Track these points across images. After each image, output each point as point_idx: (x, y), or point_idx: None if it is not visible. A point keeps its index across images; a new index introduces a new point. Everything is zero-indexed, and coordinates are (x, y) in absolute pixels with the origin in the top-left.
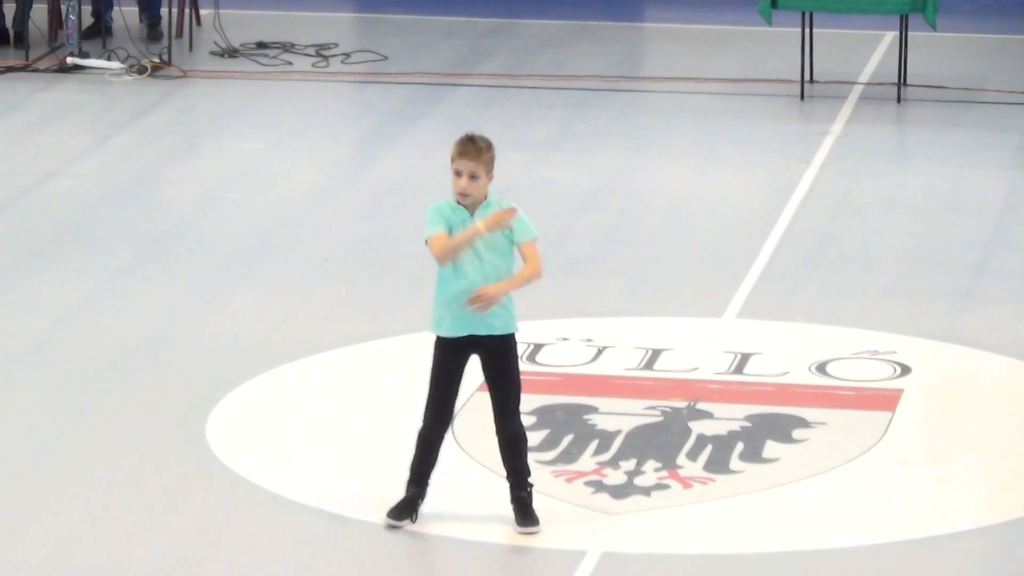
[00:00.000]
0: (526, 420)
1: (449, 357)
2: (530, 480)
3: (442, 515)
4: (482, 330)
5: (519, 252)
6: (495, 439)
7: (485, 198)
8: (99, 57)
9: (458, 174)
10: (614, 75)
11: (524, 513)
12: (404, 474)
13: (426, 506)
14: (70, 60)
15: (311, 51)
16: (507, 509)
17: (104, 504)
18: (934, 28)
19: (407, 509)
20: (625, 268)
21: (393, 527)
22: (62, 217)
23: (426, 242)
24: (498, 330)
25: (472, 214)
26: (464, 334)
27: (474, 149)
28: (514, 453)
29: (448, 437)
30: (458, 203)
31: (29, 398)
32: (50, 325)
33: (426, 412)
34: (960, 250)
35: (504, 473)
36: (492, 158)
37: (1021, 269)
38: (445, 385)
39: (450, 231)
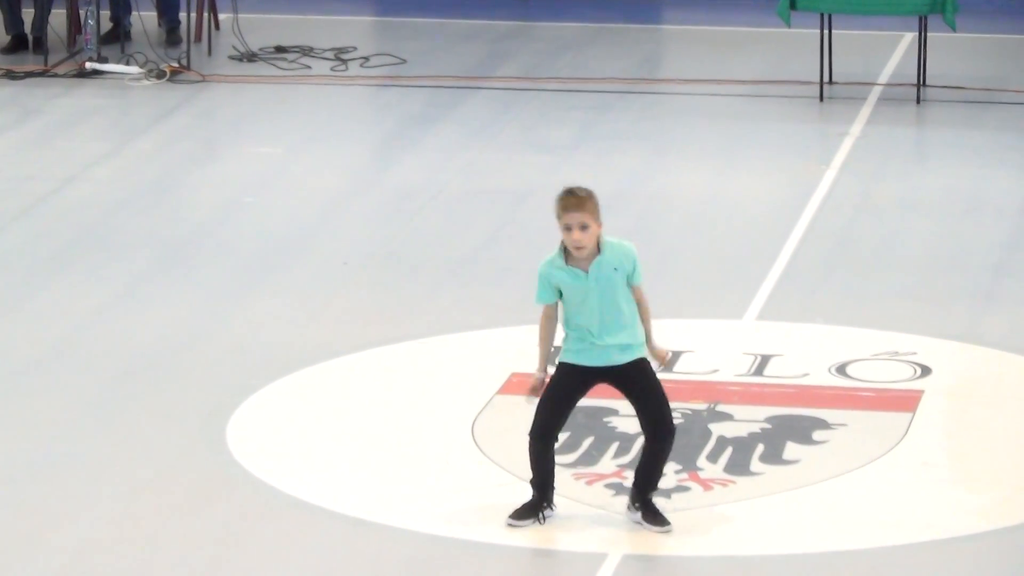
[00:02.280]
0: None
1: (573, 381)
2: (659, 486)
3: (462, 518)
4: (612, 362)
5: (633, 293)
6: (515, 442)
7: (598, 248)
8: (118, 62)
9: (568, 228)
10: (633, 77)
11: (654, 512)
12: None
13: (447, 509)
14: (89, 65)
15: (330, 55)
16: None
17: (125, 509)
18: (953, 29)
19: (530, 511)
20: (645, 270)
21: (512, 525)
22: (81, 222)
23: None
24: (628, 358)
25: (587, 270)
26: (597, 365)
27: (576, 200)
28: (648, 466)
29: (468, 440)
30: (566, 256)
31: (48, 404)
32: (70, 331)
33: (532, 427)
34: (980, 251)
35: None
36: (596, 205)
37: None
38: (558, 404)
39: (559, 292)
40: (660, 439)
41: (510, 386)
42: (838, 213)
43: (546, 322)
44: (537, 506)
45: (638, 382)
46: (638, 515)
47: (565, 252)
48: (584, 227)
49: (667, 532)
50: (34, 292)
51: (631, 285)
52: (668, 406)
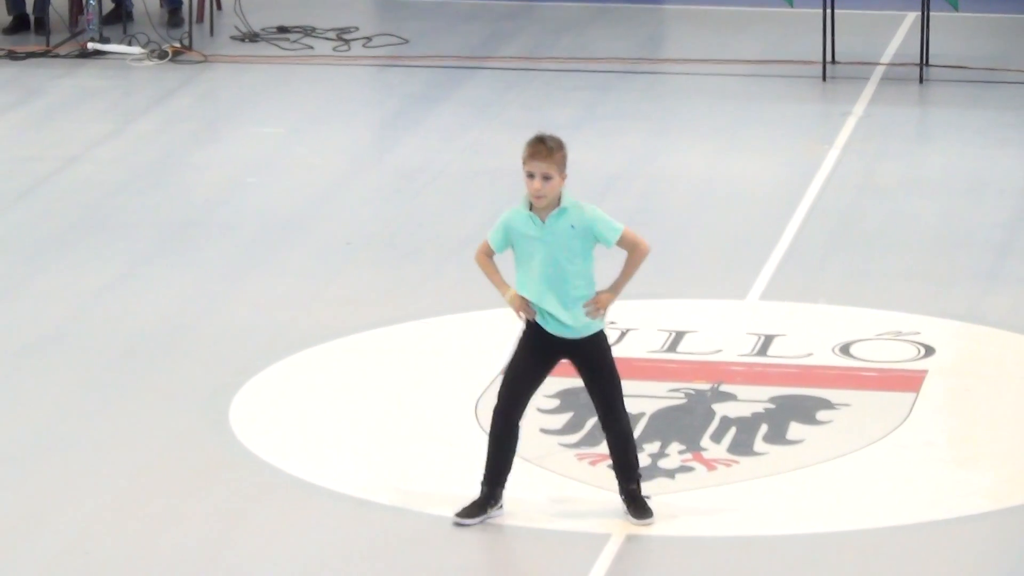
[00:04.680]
0: (549, 403)
1: (535, 350)
2: (639, 472)
3: (466, 499)
4: (568, 333)
5: (622, 247)
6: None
7: (559, 202)
8: (120, 42)
9: (531, 176)
10: (635, 57)
11: (637, 505)
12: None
13: (450, 489)
14: (91, 46)
15: (332, 35)
16: (532, 493)
17: (127, 490)
18: (956, 8)
19: (478, 508)
20: None
21: (460, 525)
22: (83, 203)
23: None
24: (586, 331)
25: (544, 220)
26: (555, 333)
27: (544, 149)
28: (622, 450)
29: (471, 421)
30: (531, 206)
31: (51, 385)
32: (72, 312)
33: (495, 411)
34: (983, 230)
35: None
36: (564, 157)
37: None
38: (520, 381)
39: (510, 242)
40: (610, 426)
41: None
42: (841, 193)
43: (484, 258)
44: (486, 503)
45: (593, 365)
46: (624, 507)
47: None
48: (547, 178)
49: (648, 524)
50: (36, 273)
51: (616, 240)
52: (620, 391)
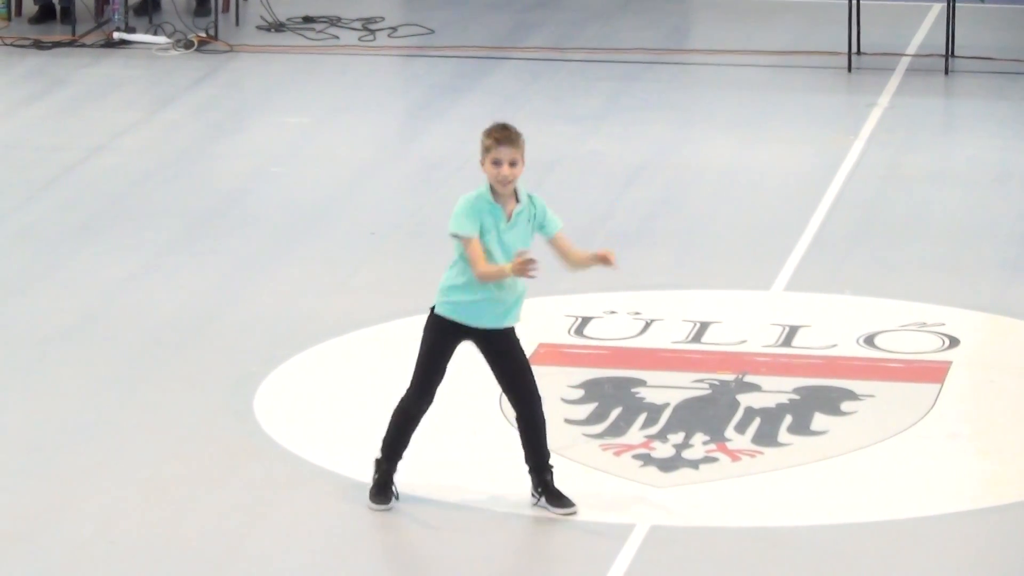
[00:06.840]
0: (573, 393)
1: (446, 338)
2: (551, 462)
3: (490, 489)
4: (494, 324)
5: (555, 244)
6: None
7: (517, 196)
8: (146, 32)
9: (497, 163)
10: (661, 48)
11: (556, 496)
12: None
13: (475, 479)
14: (117, 35)
15: (358, 25)
16: (556, 483)
17: (152, 478)
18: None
19: (387, 489)
20: (672, 241)
21: (380, 510)
22: (109, 192)
23: (454, 235)
24: (504, 323)
25: (508, 216)
26: (477, 326)
27: (512, 135)
28: (539, 440)
29: (495, 410)
30: (493, 195)
31: (77, 373)
32: (98, 300)
33: (411, 388)
34: (1008, 222)
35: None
36: (524, 145)
37: None
38: (436, 364)
39: (481, 232)
40: (527, 415)
41: (537, 356)
42: (866, 184)
43: (485, 263)
44: (390, 479)
45: (508, 353)
46: (542, 500)
47: (492, 191)
48: (513, 163)
49: (573, 514)
50: (62, 262)
51: (556, 233)
52: (534, 381)
